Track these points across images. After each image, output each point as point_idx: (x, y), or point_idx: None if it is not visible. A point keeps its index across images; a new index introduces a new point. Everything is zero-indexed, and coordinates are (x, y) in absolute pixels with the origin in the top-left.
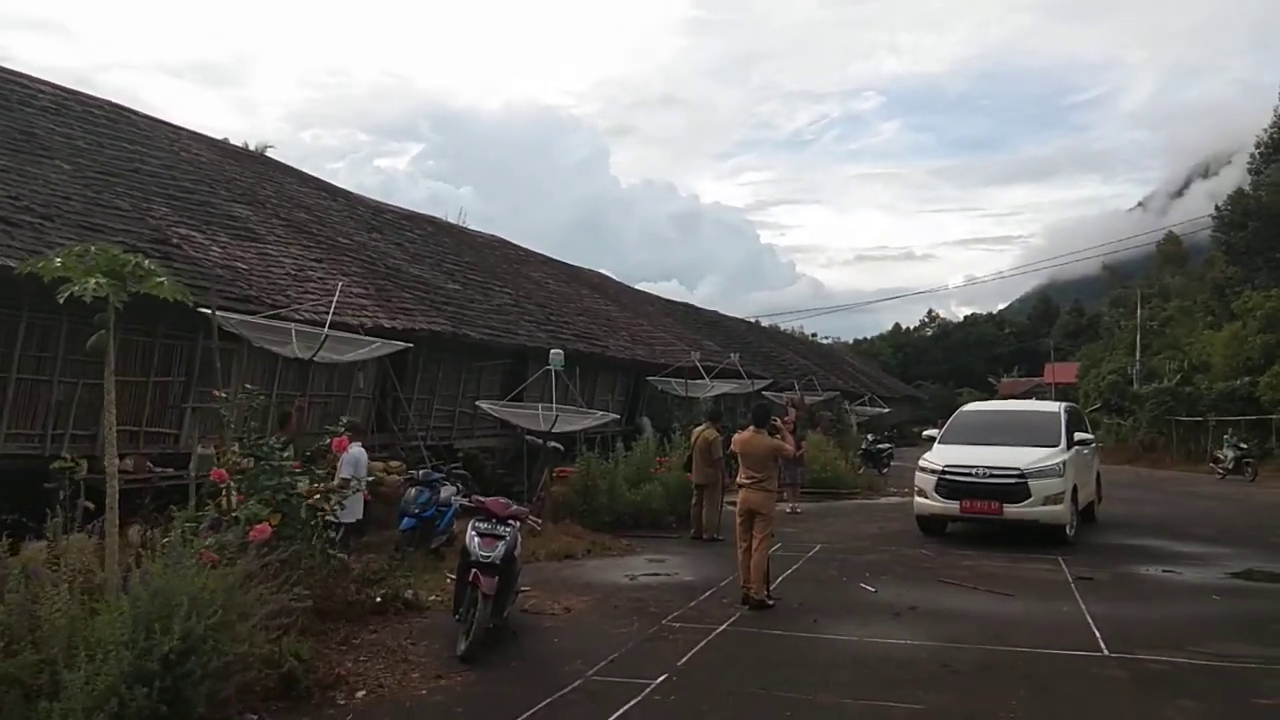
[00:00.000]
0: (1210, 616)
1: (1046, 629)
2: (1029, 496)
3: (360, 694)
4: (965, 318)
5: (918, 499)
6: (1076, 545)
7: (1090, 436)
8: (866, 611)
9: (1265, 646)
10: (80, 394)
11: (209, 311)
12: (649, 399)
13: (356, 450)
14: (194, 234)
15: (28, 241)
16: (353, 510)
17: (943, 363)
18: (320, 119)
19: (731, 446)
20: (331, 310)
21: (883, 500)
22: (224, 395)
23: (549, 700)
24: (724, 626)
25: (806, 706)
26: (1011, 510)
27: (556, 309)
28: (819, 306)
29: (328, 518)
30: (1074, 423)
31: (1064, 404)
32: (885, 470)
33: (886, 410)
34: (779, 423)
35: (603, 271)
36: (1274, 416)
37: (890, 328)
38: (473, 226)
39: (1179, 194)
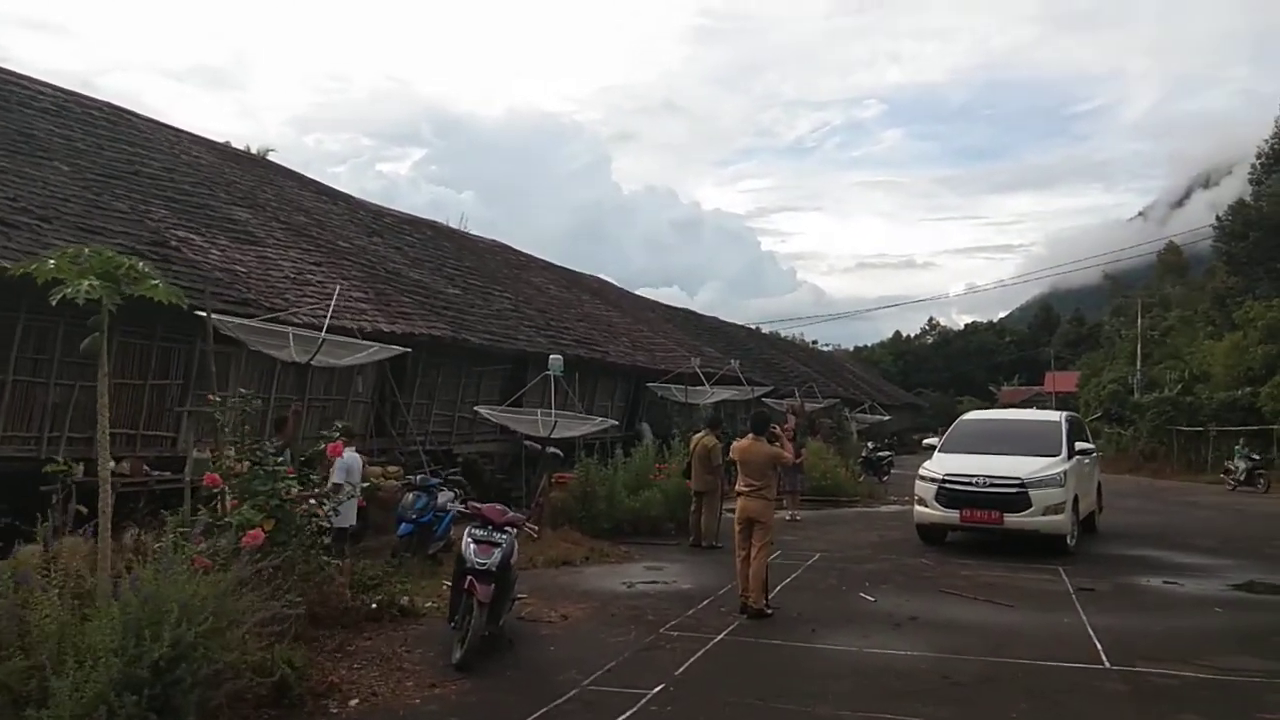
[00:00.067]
0: (1212, 629)
1: (1047, 640)
2: (1030, 506)
3: (353, 702)
4: (966, 326)
5: (918, 508)
6: (1077, 556)
7: (1091, 446)
8: (866, 621)
9: (1268, 660)
10: (77, 396)
11: (205, 315)
12: (649, 405)
13: (350, 456)
14: (193, 237)
15: (24, 243)
16: (346, 516)
17: (943, 371)
18: (323, 123)
19: (730, 454)
20: (329, 314)
21: (883, 508)
22: (218, 399)
23: (544, 710)
24: (722, 635)
25: (805, 718)
26: (1012, 520)
27: (557, 314)
28: (820, 313)
29: (321, 523)
30: (1075, 432)
31: (1065, 413)
32: (885, 478)
33: (887, 418)
34: (778, 430)
35: (603, 277)
36: (1275, 427)
37: (891, 335)
38: (474, 231)
39: (1180, 204)
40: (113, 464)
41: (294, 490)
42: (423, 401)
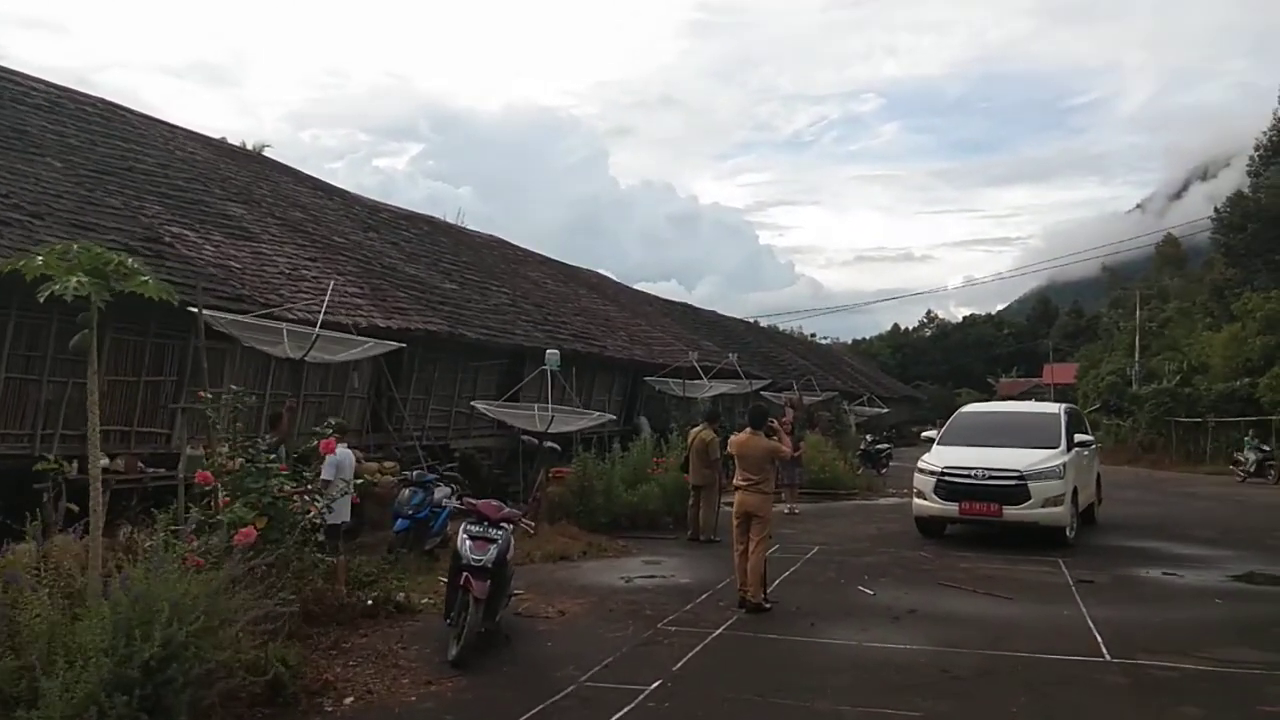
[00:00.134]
0: (1212, 620)
1: (1047, 633)
2: (1029, 498)
3: (348, 700)
4: (964, 318)
5: (916, 500)
6: (1076, 547)
7: (1090, 438)
8: (865, 615)
9: (1269, 652)
10: (70, 393)
11: (197, 311)
12: (647, 399)
13: (342, 453)
14: (187, 233)
15: (16, 240)
16: (340, 512)
17: (941, 363)
18: (320, 119)
19: (728, 448)
20: (323, 310)
21: (881, 501)
22: (209, 396)
23: (541, 707)
24: (720, 630)
25: (803, 713)
26: (1011, 512)
27: (554, 309)
28: (818, 307)
29: (314, 520)
30: (1074, 424)
31: (1064, 405)
32: (884, 471)
33: (885, 410)
34: (776, 424)
35: (601, 272)
36: (1274, 418)
37: (889, 328)
38: (471, 226)
39: (1178, 196)
40: (107, 461)
41: (287, 487)
42: (419, 397)
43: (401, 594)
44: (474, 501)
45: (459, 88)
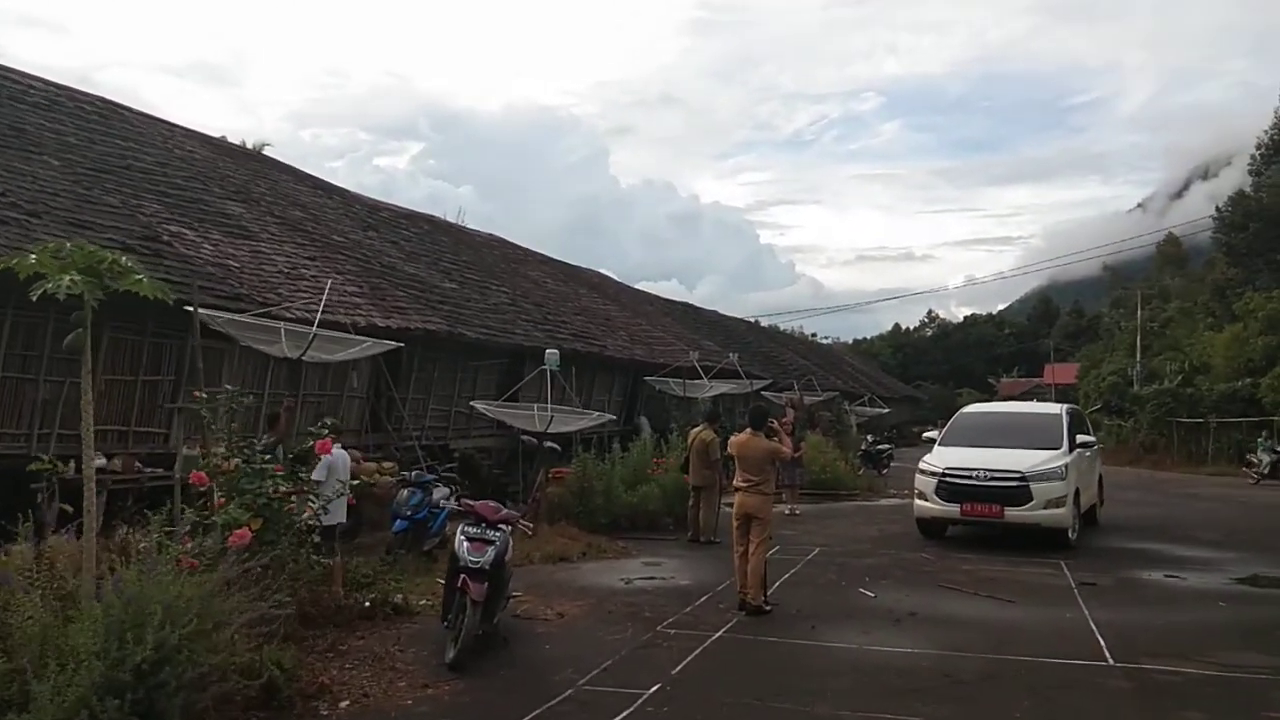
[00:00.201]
0: (1216, 624)
1: (1049, 636)
2: (1030, 500)
3: (344, 704)
4: (965, 318)
5: (918, 501)
6: (1079, 549)
7: (1092, 439)
8: (866, 617)
9: (1273, 655)
10: (67, 393)
11: (192, 309)
12: (647, 399)
13: (337, 453)
14: (185, 231)
15: (12, 238)
16: (335, 514)
17: (942, 363)
18: (320, 118)
19: (728, 449)
20: (321, 309)
21: (882, 502)
22: (204, 396)
23: (538, 711)
24: (720, 633)
25: (804, 718)
26: (1013, 514)
27: (554, 308)
28: (818, 306)
29: (310, 521)
30: (1076, 425)
31: (1066, 406)
32: (885, 471)
33: (886, 411)
34: (776, 425)
35: (602, 271)
36: (1276, 418)
37: (890, 328)
38: (472, 226)
39: (1179, 195)
40: (104, 461)
41: (282, 488)
42: (419, 396)
43: (399, 595)
44: (471, 503)
45: (460, 87)
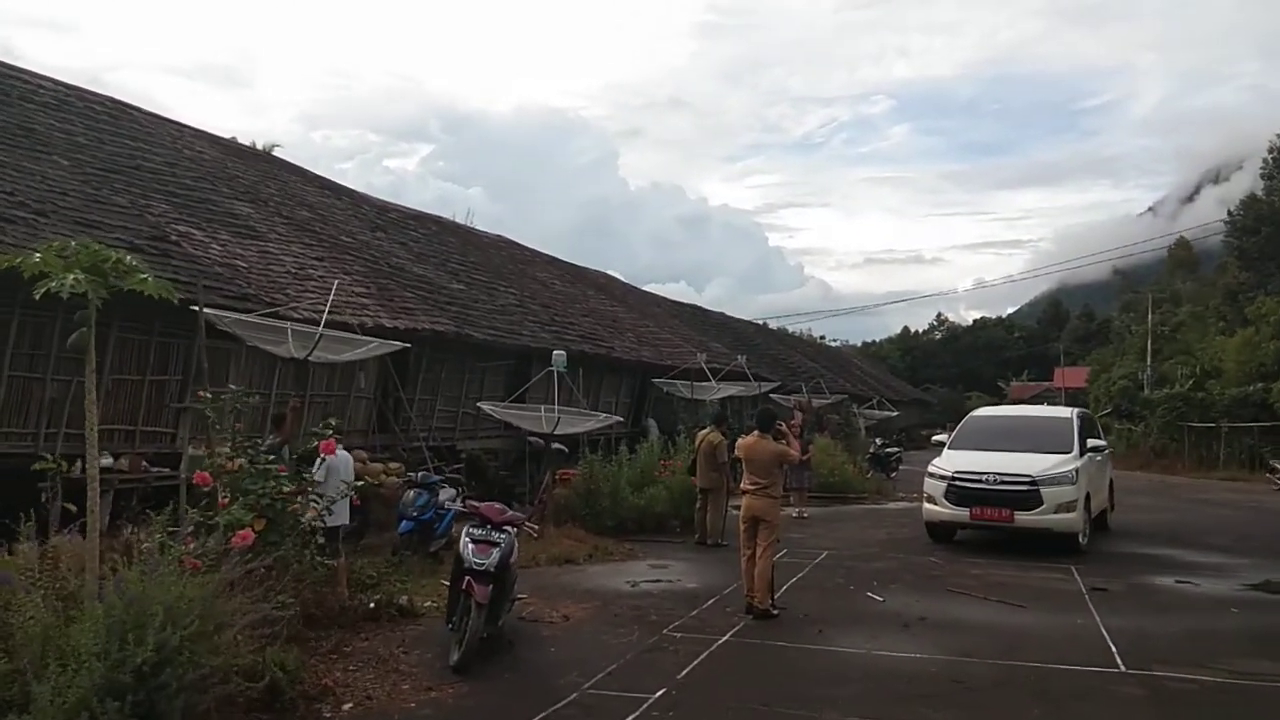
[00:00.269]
0: (1229, 630)
1: (1061, 642)
2: (1041, 504)
3: (347, 706)
4: (974, 321)
5: (927, 505)
6: (1089, 554)
7: (1103, 443)
8: (874, 622)
9: None
10: (74, 392)
11: (199, 310)
12: (654, 401)
13: (340, 454)
14: (194, 231)
15: (20, 237)
16: (340, 515)
17: (951, 366)
18: (331, 120)
19: (736, 452)
20: (328, 309)
21: (891, 505)
22: (208, 395)
23: (542, 715)
24: (726, 637)
25: None
26: (1023, 518)
27: (562, 310)
28: (827, 309)
29: (315, 522)
30: (1086, 429)
31: (1076, 409)
32: (893, 475)
33: (895, 414)
34: (784, 427)
35: (610, 273)
36: None
37: (899, 331)
38: (481, 227)
39: (1190, 199)
40: (110, 460)
41: (286, 489)
42: (426, 397)
43: (404, 597)
44: (476, 504)
45: (470, 89)
